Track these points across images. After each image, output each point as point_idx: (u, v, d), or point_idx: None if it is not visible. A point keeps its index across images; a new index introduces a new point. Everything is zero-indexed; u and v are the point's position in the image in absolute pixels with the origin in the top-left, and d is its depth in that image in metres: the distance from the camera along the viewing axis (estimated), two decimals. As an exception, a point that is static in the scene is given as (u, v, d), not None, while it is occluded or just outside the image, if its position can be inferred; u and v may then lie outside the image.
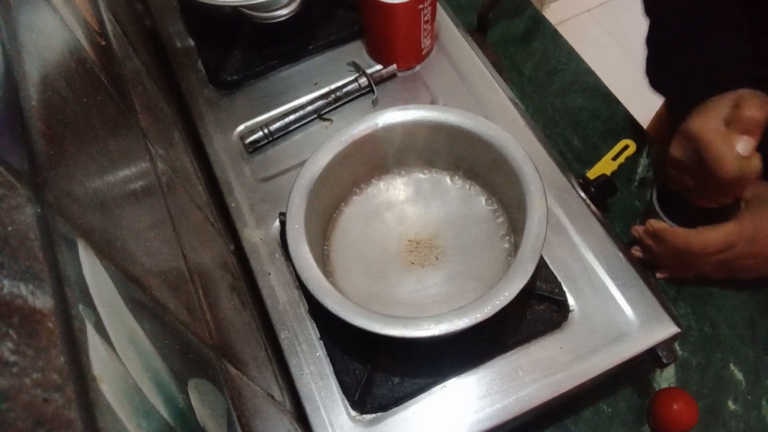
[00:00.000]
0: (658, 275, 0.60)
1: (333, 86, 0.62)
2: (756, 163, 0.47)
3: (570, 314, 0.49)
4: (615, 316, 0.48)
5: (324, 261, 0.51)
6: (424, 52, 0.63)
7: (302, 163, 0.49)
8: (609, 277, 0.50)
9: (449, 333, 0.40)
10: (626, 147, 0.65)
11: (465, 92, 0.62)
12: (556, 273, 0.50)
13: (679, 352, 0.57)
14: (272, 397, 0.42)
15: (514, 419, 0.46)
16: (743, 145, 0.47)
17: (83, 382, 0.18)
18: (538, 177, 0.47)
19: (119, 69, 0.43)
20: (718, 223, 0.53)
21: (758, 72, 0.51)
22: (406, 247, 0.52)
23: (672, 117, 0.63)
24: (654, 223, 0.55)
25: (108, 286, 0.23)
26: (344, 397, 0.47)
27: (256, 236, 0.54)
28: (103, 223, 0.26)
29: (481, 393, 0.46)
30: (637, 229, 0.58)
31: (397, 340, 0.41)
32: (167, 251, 0.34)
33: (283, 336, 0.49)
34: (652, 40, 0.62)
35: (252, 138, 0.58)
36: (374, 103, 0.62)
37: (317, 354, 0.48)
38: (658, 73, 0.61)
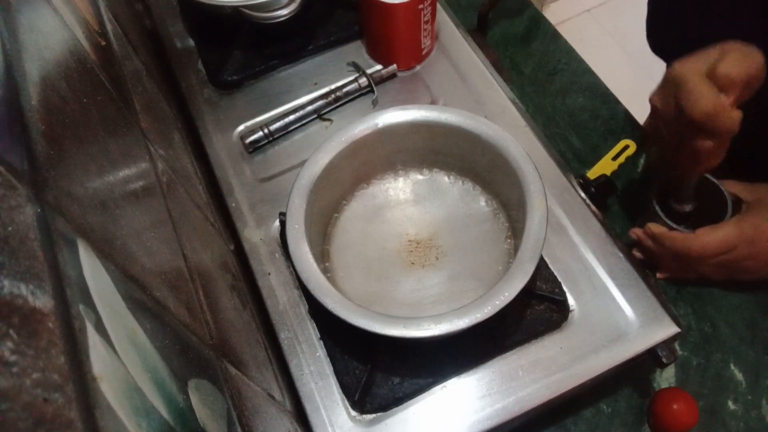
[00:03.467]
0: (658, 276, 0.60)
1: (333, 86, 0.62)
2: (735, 113, 0.45)
3: (570, 314, 0.49)
4: (615, 316, 0.48)
5: (324, 261, 0.51)
6: (424, 52, 0.63)
7: (302, 163, 0.49)
8: (609, 277, 0.50)
9: (449, 333, 0.40)
10: (626, 147, 0.64)
11: (465, 92, 0.62)
12: (556, 273, 0.50)
13: (679, 352, 0.57)
14: (272, 397, 0.42)
15: (514, 419, 0.46)
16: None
17: (83, 382, 0.18)
18: (538, 177, 0.47)
19: (119, 69, 0.43)
20: (718, 222, 0.53)
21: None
22: (406, 247, 0.52)
23: None
24: (653, 227, 0.55)
25: (108, 286, 0.23)
26: (344, 397, 0.47)
27: (256, 236, 0.54)
28: (103, 223, 0.26)
29: (481, 393, 0.46)
30: (636, 232, 0.58)
31: (397, 340, 0.41)
32: (167, 251, 0.34)
33: (283, 336, 0.49)
34: (654, 1, 0.59)
35: (252, 138, 0.58)
36: (374, 103, 0.62)
37: (317, 354, 0.48)
38: (659, 36, 0.58)
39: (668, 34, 0.57)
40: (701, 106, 0.45)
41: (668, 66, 0.57)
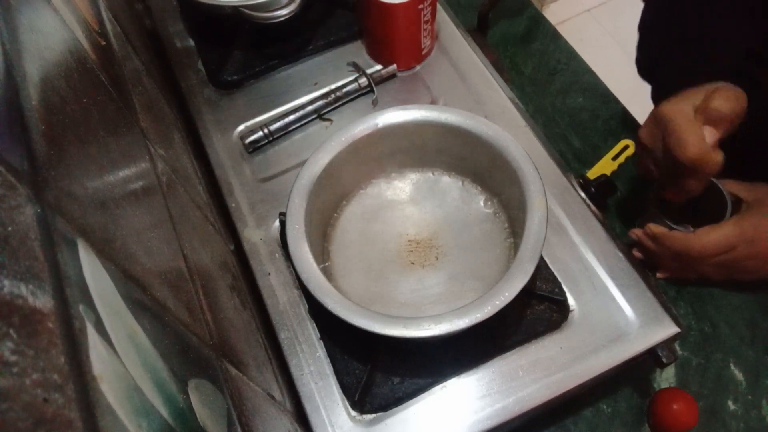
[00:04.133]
0: (658, 276, 0.60)
1: (333, 86, 0.62)
2: (718, 156, 0.48)
3: (570, 314, 0.49)
4: (615, 316, 0.48)
5: (324, 261, 0.51)
6: (424, 52, 0.63)
7: (302, 163, 0.49)
8: (609, 277, 0.50)
9: (449, 333, 0.40)
10: (626, 147, 0.65)
11: (465, 92, 0.62)
12: (556, 273, 0.50)
13: (679, 352, 0.57)
14: (272, 397, 0.42)
15: (514, 419, 0.46)
16: (706, 135, 0.48)
17: (83, 382, 0.18)
18: (538, 177, 0.47)
19: (119, 69, 0.43)
20: (718, 222, 0.53)
21: (751, 71, 0.51)
22: (406, 247, 0.52)
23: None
24: (653, 227, 0.55)
25: (108, 286, 0.23)
26: (344, 397, 0.47)
27: (256, 236, 0.54)
28: (103, 223, 0.26)
29: (481, 393, 0.46)
30: (636, 232, 0.58)
31: (397, 340, 0.41)
32: (167, 251, 0.34)
33: (283, 336, 0.49)
34: (645, 26, 0.61)
35: (252, 138, 0.58)
36: (374, 103, 0.62)
37: (317, 354, 0.48)
38: (647, 61, 0.60)
39: (657, 60, 0.59)
40: (688, 151, 0.47)
41: (654, 91, 0.60)
